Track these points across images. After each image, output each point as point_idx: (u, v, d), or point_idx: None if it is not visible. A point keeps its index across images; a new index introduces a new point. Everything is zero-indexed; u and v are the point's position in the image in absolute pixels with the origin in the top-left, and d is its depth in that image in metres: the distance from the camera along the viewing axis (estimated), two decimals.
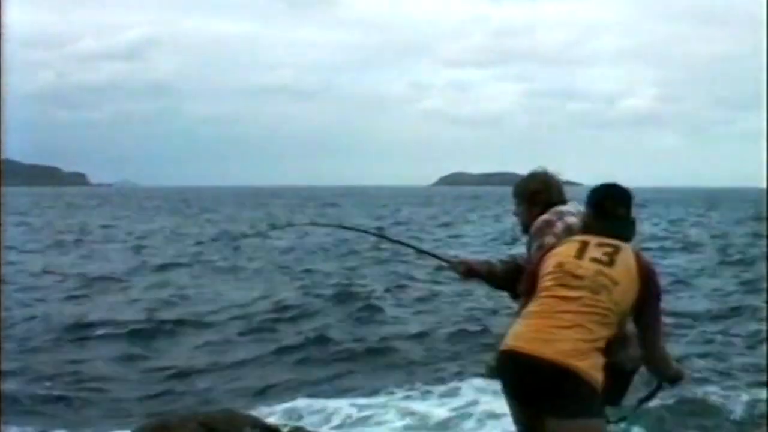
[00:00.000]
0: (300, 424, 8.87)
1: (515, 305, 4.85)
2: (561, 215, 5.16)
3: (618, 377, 5.09)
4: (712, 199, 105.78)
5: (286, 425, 8.20)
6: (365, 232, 7.71)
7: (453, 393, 11.03)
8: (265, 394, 11.31)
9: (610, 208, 4.61)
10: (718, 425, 9.98)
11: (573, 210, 5.25)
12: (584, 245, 4.44)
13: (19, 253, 29.84)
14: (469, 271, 5.39)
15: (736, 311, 17.49)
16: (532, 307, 4.34)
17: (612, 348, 4.79)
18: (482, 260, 5.55)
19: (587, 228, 4.64)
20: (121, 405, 10.96)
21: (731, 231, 44.40)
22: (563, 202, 5.32)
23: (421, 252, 6.21)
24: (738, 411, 10.31)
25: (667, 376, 4.76)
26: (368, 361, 13.27)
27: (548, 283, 4.35)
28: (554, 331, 4.14)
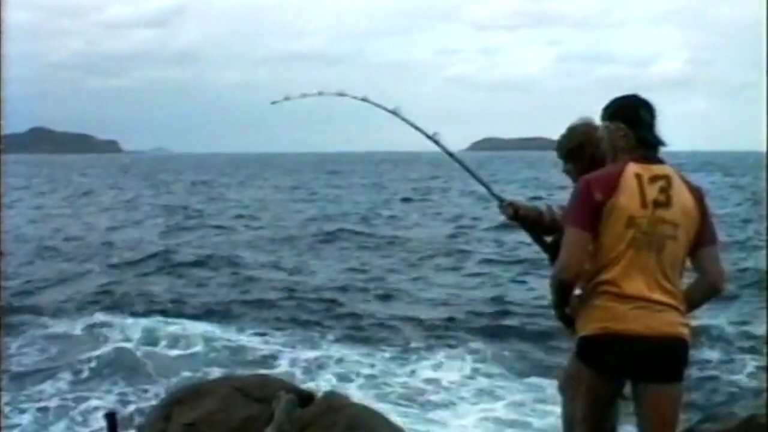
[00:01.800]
0: None
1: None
2: None
3: None
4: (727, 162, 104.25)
5: (319, 389, 8.27)
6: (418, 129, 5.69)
7: None
8: None
9: (647, 118, 4.31)
10: None
11: None
12: (641, 184, 4.16)
13: None
14: (516, 214, 5.09)
15: None
16: (620, 280, 4.13)
17: None
18: (531, 205, 5.27)
19: (628, 151, 4.26)
20: None
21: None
22: (592, 158, 4.85)
23: (475, 177, 5.62)
24: None
25: None
26: None
27: (622, 247, 4.13)
28: (654, 305, 4.11)
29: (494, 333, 14.10)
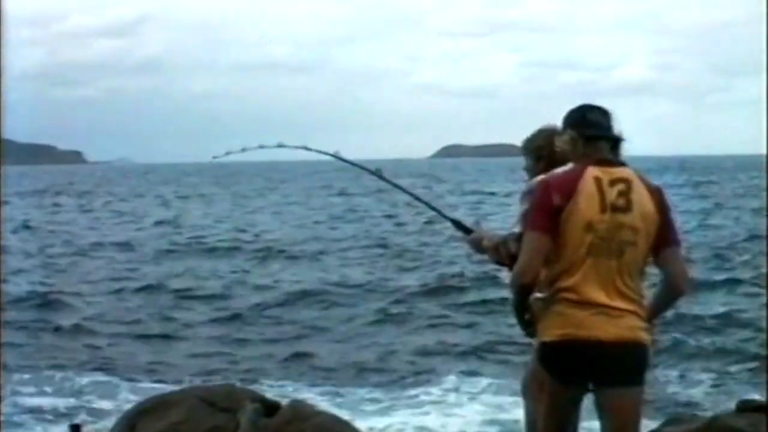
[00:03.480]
0: None
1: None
2: None
3: None
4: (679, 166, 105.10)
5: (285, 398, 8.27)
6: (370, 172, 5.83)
7: None
8: None
9: (596, 119, 4.29)
10: None
11: None
12: (600, 188, 4.13)
13: None
14: (480, 246, 5.04)
15: None
16: (579, 287, 4.12)
17: None
18: (495, 234, 5.10)
19: (585, 155, 4.23)
20: None
21: None
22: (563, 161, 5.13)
23: (431, 207, 5.74)
24: None
25: None
26: None
27: (581, 253, 4.12)
28: (612, 311, 4.12)
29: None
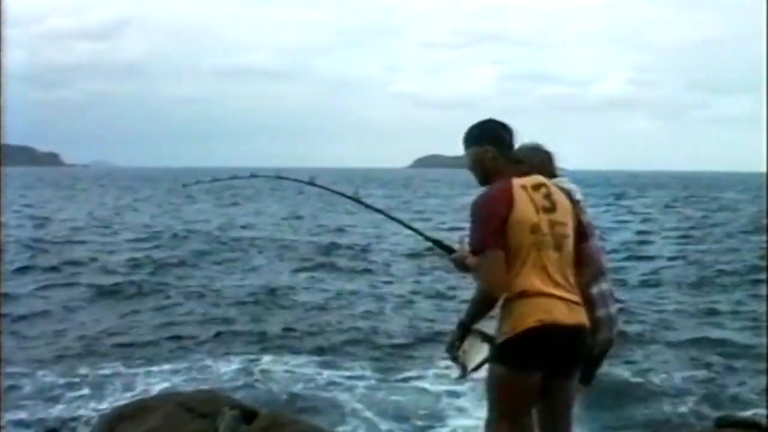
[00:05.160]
0: None
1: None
2: None
3: (586, 360, 5.18)
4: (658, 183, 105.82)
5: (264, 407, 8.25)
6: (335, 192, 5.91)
7: None
8: None
9: (508, 139, 4.65)
10: None
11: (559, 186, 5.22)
12: (529, 194, 4.50)
13: None
14: (462, 266, 4.95)
15: None
16: (534, 280, 4.41)
17: None
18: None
19: (502, 171, 4.57)
20: None
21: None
22: (552, 177, 5.23)
23: (411, 228, 5.68)
24: None
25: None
26: None
27: (531, 252, 4.42)
28: (569, 300, 4.45)
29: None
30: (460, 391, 10.70)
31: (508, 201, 4.44)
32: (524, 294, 4.41)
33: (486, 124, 4.66)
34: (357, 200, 5.69)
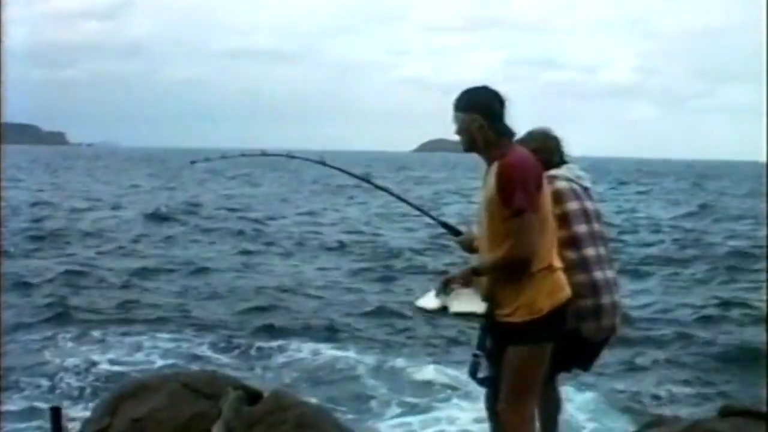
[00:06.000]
0: None
1: None
2: (550, 179, 5.16)
3: (588, 346, 5.18)
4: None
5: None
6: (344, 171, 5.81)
7: None
8: None
9: (499, 109, 4.59)
10: None
11: (568, 174, 5.26)
12: None
13: None
14: (471, 247, 5.13)
15: None
16: (556, 254, 4.66)
17: (585, 317, 4.92)
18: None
19: (494, 141, 4.56)
20: None
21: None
22: (562, 163, 5.33)
23: (422, 211, 5.84)
24: None
25: None
26: None
27: (553, 226, 4.73)
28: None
29: None
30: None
31: (539, 168, 4.49)
32: (551, 268, 4.49)
33: (478, 91, 4.59)
34: (367, 181, 5.69)
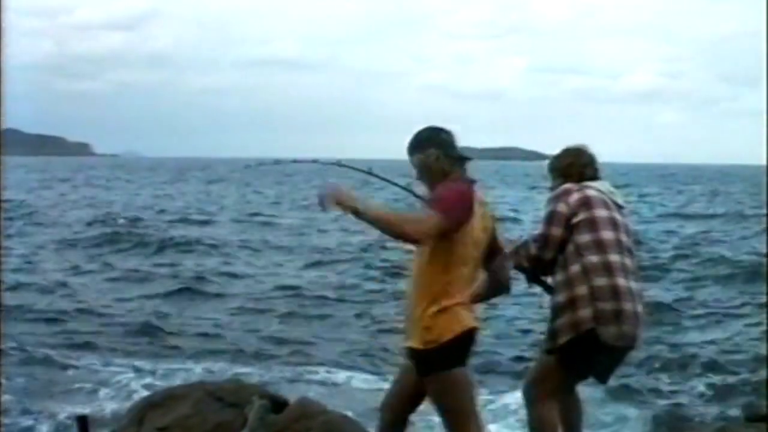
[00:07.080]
0: None
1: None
2: (581, 187, 5.23)
3: (605, 351, 5.12)
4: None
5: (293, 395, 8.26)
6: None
7: None
8: None
9: (450, 139, 4.81)
10: None
11: (600, 186, 5.31)
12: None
13: None
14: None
15: None
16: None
17: (604, 321, 4.90)
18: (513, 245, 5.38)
19: (451, 169, 4.73)
20: None
21: None
22: (595, 178, 5.38)
23: None
24: None
25: None
26: None
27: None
28: None
29: None
30: None
31: (471, 202, 4.65)
32: (460, 305, 4.72)
33: (424, 132, 4.79)
34: (410, 191, 5.70)
